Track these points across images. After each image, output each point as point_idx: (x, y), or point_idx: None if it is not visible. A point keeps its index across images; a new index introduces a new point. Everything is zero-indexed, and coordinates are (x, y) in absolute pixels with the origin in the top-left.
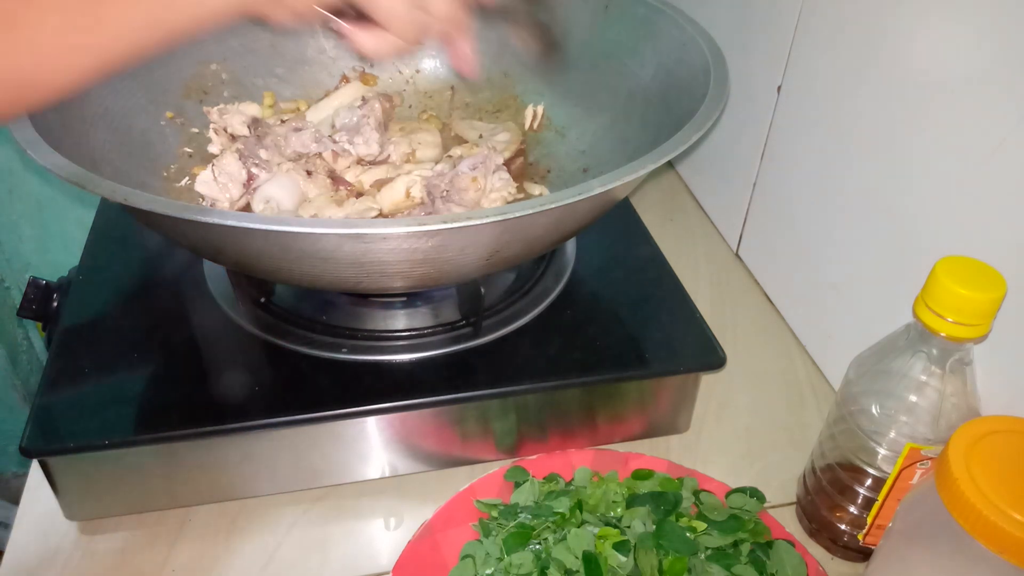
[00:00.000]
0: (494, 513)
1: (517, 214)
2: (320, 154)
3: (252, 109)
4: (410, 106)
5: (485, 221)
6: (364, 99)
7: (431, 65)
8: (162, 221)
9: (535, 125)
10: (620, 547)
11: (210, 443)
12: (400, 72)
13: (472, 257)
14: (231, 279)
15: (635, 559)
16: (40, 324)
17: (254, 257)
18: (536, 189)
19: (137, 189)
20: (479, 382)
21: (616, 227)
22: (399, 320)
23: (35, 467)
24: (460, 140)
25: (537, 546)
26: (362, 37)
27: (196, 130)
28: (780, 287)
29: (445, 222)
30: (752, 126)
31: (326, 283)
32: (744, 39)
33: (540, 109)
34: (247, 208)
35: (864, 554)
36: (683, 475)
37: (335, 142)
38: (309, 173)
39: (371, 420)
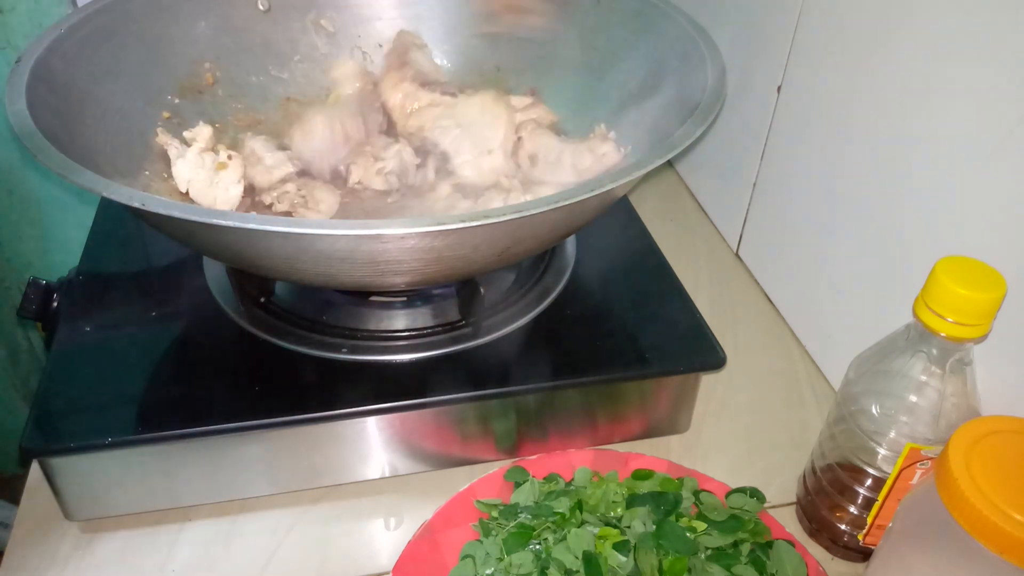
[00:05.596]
0: (494, 513)
1: (531, 212)
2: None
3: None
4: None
5: (501, 219)
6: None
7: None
8: (177, 225)
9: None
10: (620, 547)
11: (210, 443)
12: None
13: (485, 253)
14: (231, 279)
15: (635, 559)
16: (40, 324)
17: (270, 259)
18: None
19: (141, 192)
20: (479, 382)
21: (616, 227)
22: (399, 320)
23: (35, 467)
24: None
25: (537, 546)
26: None
27: None
28: (780, 287)
29: (463, 221)
30: (752, 126)
31: (339, 282)
32: (744, 39)
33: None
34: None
35: (864, 554)
36: (683, 475)
37: None
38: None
39: (371, 420)
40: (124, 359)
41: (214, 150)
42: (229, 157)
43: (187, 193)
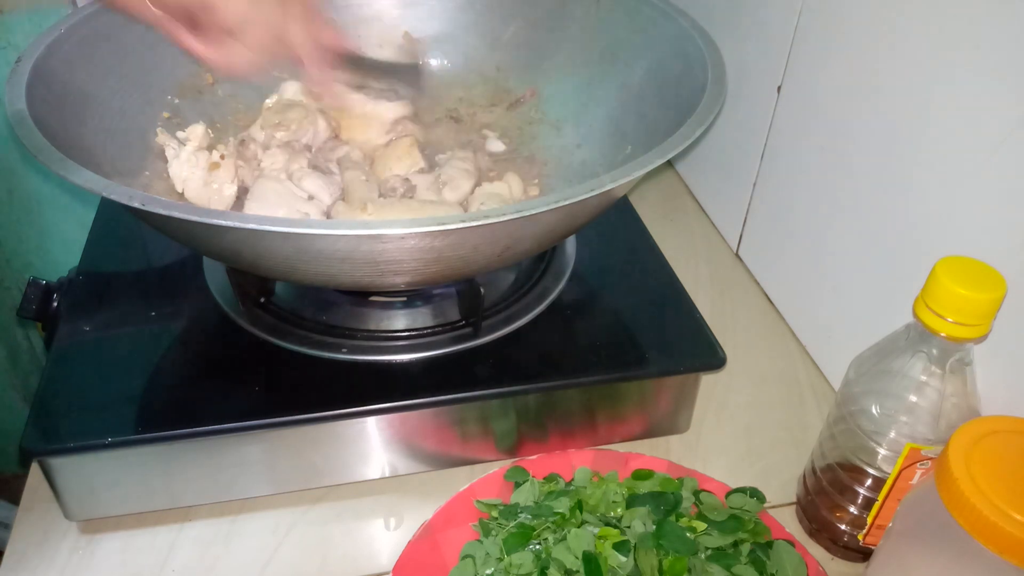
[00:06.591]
0: (494, 513)
1: (531, 212)
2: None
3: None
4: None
5: (501, 219)
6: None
7: (426, 61)
8: (177, 225)
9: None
10: (620, 547)
11: (210, 443)
12: None
13: (485, 253)
14: (231, 279)
15: (635, 559)
16: (40, 324)
17: (270, 259)
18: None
19: (141, 192)
20: (479, 382)
21: (616, 227)
22: (399, 320)
23: (35, 467)
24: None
25: (537, 546)
26: (206, 49)
27: None
28: (780, 287)
29: (463, 221)
30: (752, 126)
31: (339, 282)
32: (744, 39)
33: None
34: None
35: (864, 554)
36: (683, 475)
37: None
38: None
39: (371, 420)
40: (124, 359)
41: (209, 148)
42: (222, 157)
43: (183, 193)
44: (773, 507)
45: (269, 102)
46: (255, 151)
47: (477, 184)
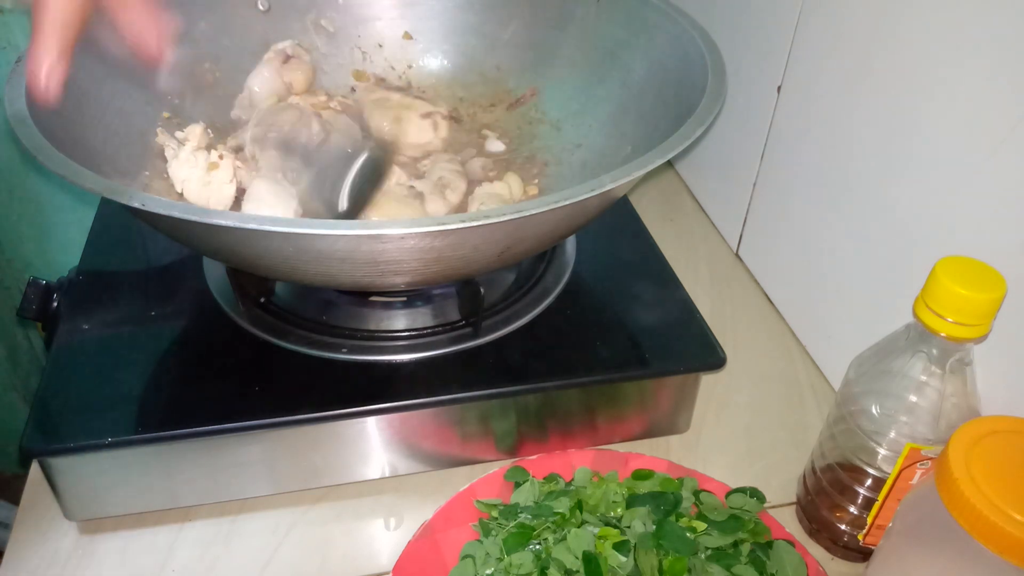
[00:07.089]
0: (494, 513)
1: (531, 212)
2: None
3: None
4: None
5: (501, 219)
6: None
7: (426, 61)
8: (177, 225)
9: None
10: (620, 547)
11: (210, 443)
12: (392, 68)
13: (485, 253)
14: (231, 279)
15: (635, 559)
16: (40, 324)
17: (270, 259)
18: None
19: (142, 192)
20: (479, 382)
21: (616, 227)
22: (399, 320)
23: (35, 467)
24: None
25: (537, 546)
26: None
27: None
28: (780, 287)
29: (463, 221)
30: (752, 126)
31: (339, 282)
32: (744, 39)
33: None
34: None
35: (864, 554)
36: (683, 475)
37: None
38: None
39: (371, 420)
40: (124, 359)
41: (208, 148)
42: (220, 157)
43: (182, 193)
44: (773, 507)
45: (266, 103)
46: (252, 151)
47: (472, 183)
